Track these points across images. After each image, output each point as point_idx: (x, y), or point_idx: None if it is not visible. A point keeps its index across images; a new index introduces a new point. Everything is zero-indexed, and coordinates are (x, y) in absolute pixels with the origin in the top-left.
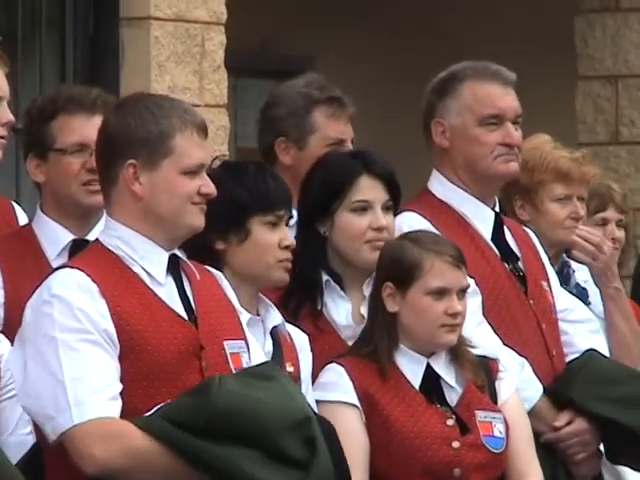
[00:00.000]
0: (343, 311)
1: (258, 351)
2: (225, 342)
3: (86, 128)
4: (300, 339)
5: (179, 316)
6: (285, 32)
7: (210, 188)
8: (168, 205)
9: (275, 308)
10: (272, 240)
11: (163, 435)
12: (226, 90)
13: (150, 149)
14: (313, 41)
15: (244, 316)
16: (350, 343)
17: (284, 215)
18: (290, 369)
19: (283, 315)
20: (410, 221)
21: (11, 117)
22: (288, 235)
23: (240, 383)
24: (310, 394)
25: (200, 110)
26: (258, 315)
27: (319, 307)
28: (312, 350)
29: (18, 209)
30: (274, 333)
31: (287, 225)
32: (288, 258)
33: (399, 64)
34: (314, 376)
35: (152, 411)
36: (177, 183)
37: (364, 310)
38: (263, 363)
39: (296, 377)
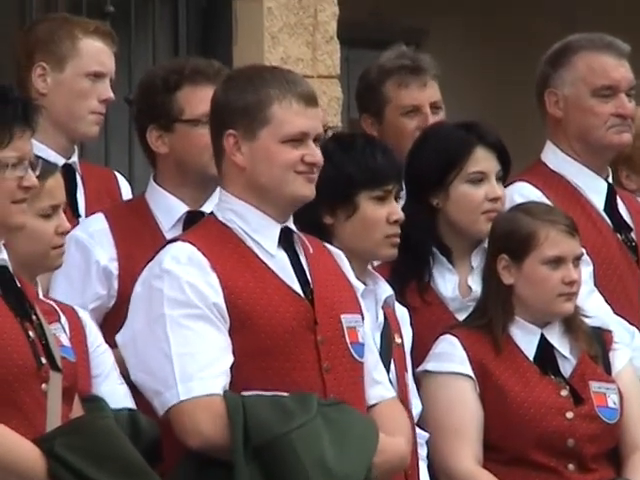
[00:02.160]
0: (450, 283)
1: (368, 325)
2: (342, 315)
3: (205, 99)
4: (401, 312)
5: (292, 290)
6: (398, 3)
7: (315, 157)
8: (269, 174)
9: (382, 279)
10: (380, 215)
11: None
12: (339, 61)
13: (248, 119)
14: (426, 12)
15: (359, 287)
16: (457, 315)
17: (393, 189)
18: (398, 340)
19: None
20: (523, 191)
21: (111, 94)
22: (397, 209)
23: None
24: (410, 368)
25: (313, 81)
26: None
27: (427, 280)
28: (419, 323)
29: (121, 179)
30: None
31: (397, 199)
32: (396, 233)
33: (511, 40)
34: (422, 348)
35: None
36: (276, 152)
37: (471, 282)
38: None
39: (402, 349)
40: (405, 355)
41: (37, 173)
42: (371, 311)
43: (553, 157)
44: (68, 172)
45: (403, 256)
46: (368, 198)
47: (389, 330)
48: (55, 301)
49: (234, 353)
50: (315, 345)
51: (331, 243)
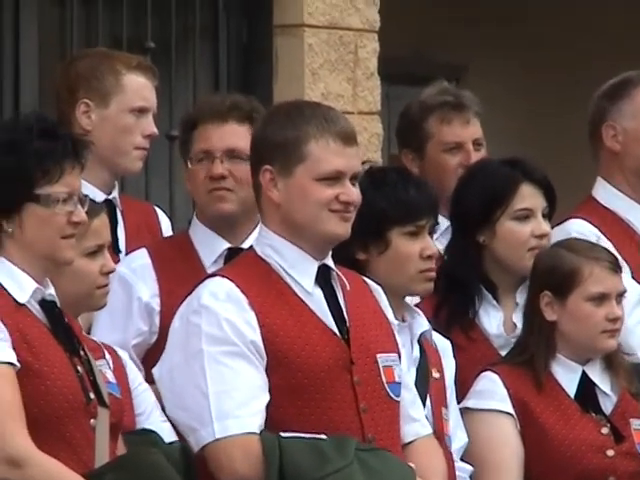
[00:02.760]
0: (495, 320)
1: (404, 361)
2: (378, 355)
3: (213, 136)
4: (443, 345)
5: (329, 329)
6: (438, 40)
7: (350, 196)
8: (303, 212)
9: (421, 314)
10: (413, 250)
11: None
12: (379, 97)
13: (285, 155)
14: (466, 49)
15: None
16: (501, 352)
17: (426, 224)
18: (436, 375)
19: (435, 323)
20: (579, 228)
21: (154, 129)
22: (430, 244)
23: None
24: (454, 401)
25: (353, 117)
26: (404, 321)
27: (472, 316)
28: (463, 359)
29: (161, 214)
30: (420, 339)
31: (432, 233)
32: (430, 268)
33: (551, 73)
34: (466, 384)
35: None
36: (311, 190)
37: (516, 319)
38: None
39: (441, 383)
40: (444, 389)
41: (85, 209)
42: (407, 346)
43: (604, 192)
44: (109, 208)
45: (448, 292)
46: (400, 234)
47: (426, 365)
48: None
49: (270, 391)
50: (351, 385)
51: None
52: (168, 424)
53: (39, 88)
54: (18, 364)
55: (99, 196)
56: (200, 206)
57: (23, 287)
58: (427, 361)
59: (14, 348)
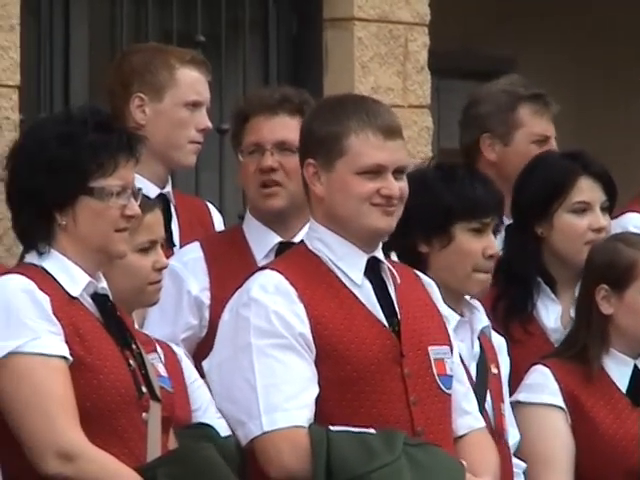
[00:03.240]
0: (553, 314)
1: (456, 354)
2: (429, 348)
3: (263, 129)
4: (499, 342)
5: (379, 321)
6: (488, 33)
7: (392, 190)
8: (345, 206)
9: (481, 309)
10: (475, 248)
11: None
12: (429, 91)
13: (327, 149)
14: (516, 42)
15: (453, 318)
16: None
17: (491, 222)
18: (495, 371)
19: (493, 317)
20: (637, 222)
21: (208, 123)
22: (493, 244)
23: None
24: (507, 398)
25: (403, 111)
26: (462, 316)
27: (530, 309)
28: (520, 353)
29: (212, 209)
30: (478, 335)
31: (496, 233)
32: (488, 268)
33: (602, 69)
34: (521, 376)
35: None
36: (352, 183)
37: (573, 312)
38: None
39: (498, 379)
40: (502, 385)
41: (138, 203)
42: (466, 341)
43: None
44: (162, 202)
45: (507, 285)
46: (465, 229)
47: (485, 360)
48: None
49: (320, 384)
50: (401, 377)
51: (425, 272)
52: (224, 420)
53: (89, 84)
54: (71, 358)
55: (153, 190)
56: (251, 199)
57: (76, 280)
58: (486, 357)
59: (67, 342)
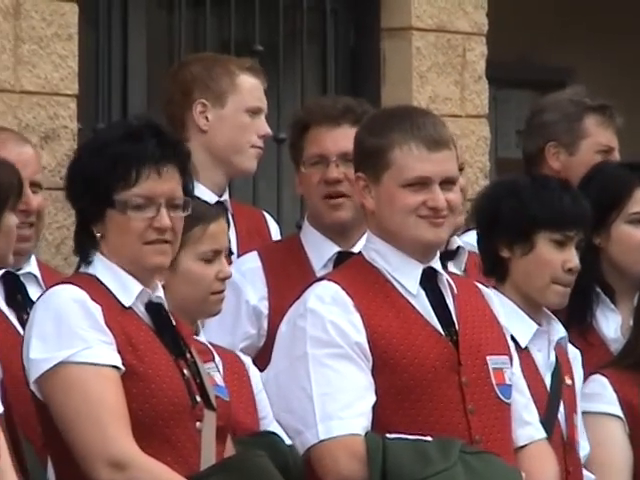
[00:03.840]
0: (613, 324)
1: (517, 365)
2: (488, 357)
3: (326, 139)
4: (574, 353)
5: (436, 330)
6: (546, 43)
7: (438, 202)
8: (392, 219)
9: (557, 320)
10: (555, 259)
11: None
12: (487, 101)
13: (373, 162)
14: (574, 52)
15: (530, 327)
16: None
17: (574, 236)
18: (569, 382)
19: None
20: None
21: (268, 130)
22: (574, 257)
23: None
24: (579, 409)
25: (461, 121)
26: (540, 326)
27: (589, 320)
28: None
29: (269, 219)
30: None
31: (579, 248)
32: (567, 282)
33: None
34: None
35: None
36: (397, 196)
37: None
38: None
39: (572, 390)
40: (575, 396)
41: (184, 213)
42: (543, 351)
43: None
44: (221, 210)
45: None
46: (547, 239)
47: (560, 371)
48: (215, 346)
49: (377, 393)
50: (459, 386)
51: (505, 277)
52: None
53: (147, 93)
54: (123, 367)
55: (211, 198)
56: (313, 210)
57: (128, 290)
58: (560, 368)
59: (119, 351)
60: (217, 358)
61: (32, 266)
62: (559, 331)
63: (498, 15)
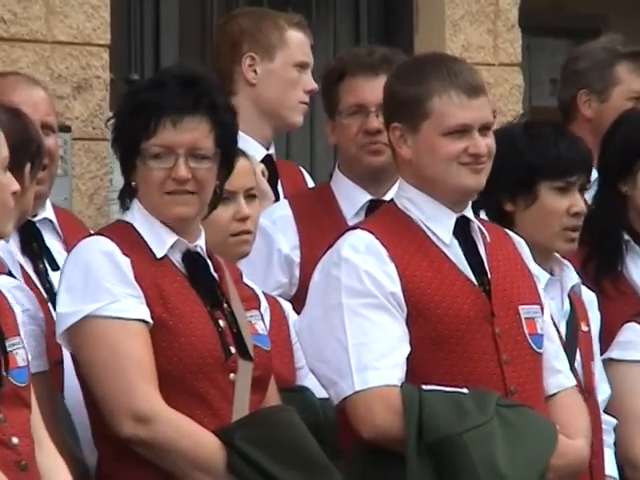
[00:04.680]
0: None
1: (547, 313)
2: (520, 307)
3: (365, 89)
4: (589, 297)
5: (469, 280)
6: None
7: (479, 148)
8: (432, 167)
9: (571, 267)
10: (560, 206)
11: None
12: (520, 49)
13: (410, 112)
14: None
15: (543, 276)
16: None
17: (576, 181)
18: (585, 328)
19: (583, 275)
20: None
21: (315, 85)
22: (579, 202)
23: None
24: (598, 353)
25: (494, 69)
26: (553, 275)
27: (619, 268)
28: (611, 312)
29: (306, 174)
30: (568, 293)
31: (584, 191)
32: (575, 226)
33: None
34: (614, 336)
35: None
36: (438, 145)
37: None
38: None
39: (589, 336)
40: (592, 342)
41: (215, 164)
42: (556, 299)
43: None
44: (269, 163)
45: (596, 244)
46: (549, 188)
47: (575, 318)
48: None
49: (411, 343)
50: (492, 337)
51: (512, 230)
52: None
53: (179, 43)
54: (151, 321)
55: (260, 151)
56: (349, 159)
57: (162, 241)
58: (576, 315)
59: (148, 304)
60: (264, 304)
61: (48, 211)
62: (572, 278)
63: None
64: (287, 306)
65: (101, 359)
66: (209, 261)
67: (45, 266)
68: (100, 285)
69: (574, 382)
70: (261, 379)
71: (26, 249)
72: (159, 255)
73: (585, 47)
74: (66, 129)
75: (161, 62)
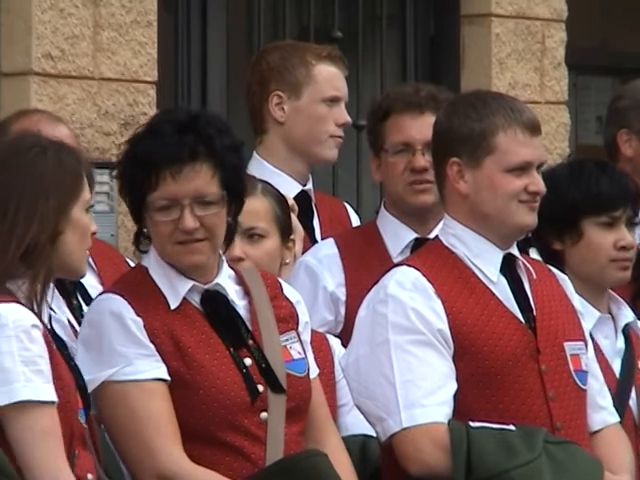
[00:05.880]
0: None
1: (590, 349)
2: (565, 343)
3: (411, 127)
4: None
5: (515, 317)
6: (625, 29)
7: (538, 186)
8: (492, 203)
9: (626, 305)
10: (606, 241)
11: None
12: (567, 87)
13: (472, 147)
14: None
15: (592, 315)
16: None
17: (622, 215)
18: None
19: (634, 311)
20: None
21: (347, 118)
22: (625, 235)
23: None
24: None
25: (540, 107)
26: (609, 313)
27: None
28: None
29: (350, 210)
30: (625, 330)
31: (632, 225)
32: (625, 258)
33: None
34: None
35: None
36: (500, 181)
37: None
38: None
39: None
40: None
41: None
42: (610, 337)
43: None
44: (304, 199)
45: None
46: (594, 224)
47: (631, 355)
48: None
49: (457, 380)
50: (539, 373)
51: (562, 269)
52: None
53: (226, 78)
54: (168, 377)
55: (295, 187)
56: (395, 197)
57: (176, 290)
58: (632, 352)
59: (165, 360)
60: (304, 319)
61: None
62: (627, 316)
63: (578, 1)
64: (335, 343)
65: (121, 423)
66: (235, 290)
67: (79, 302)
68: (113, 349)
69: (617, 419)
70: (297, 409)
71: (59, 285)
72: (173, 306)
73: (628, 86)
74: (112, 166)
75: (208, 99)
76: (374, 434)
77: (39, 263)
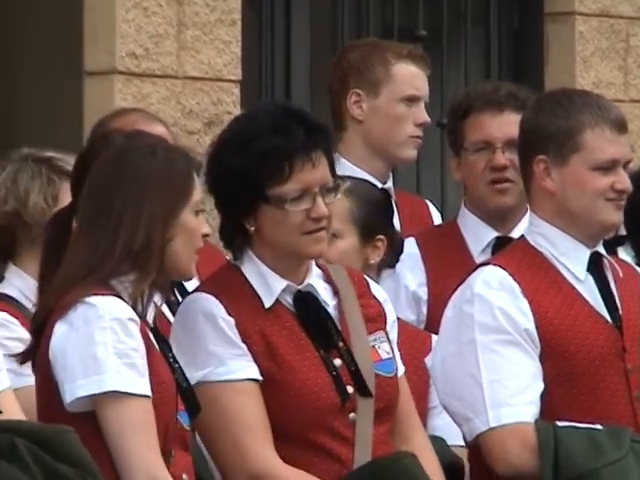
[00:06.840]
0: None
1: None
2: None
3: (491, 126)
4: None
5: (602, 317)
6: None
7: (624, 184)
8: (579, 201)
9: None
10: None
11: None
12: None
13: (559, 144)
14: None
15: None
16: None
17: None
18: None
19: None
20: None
21: (426, 118)
22: None
23: None
24: None
25: (625, 106)
26: None
27: None
28: None
29: (432, 207)
30: None
31: None
32: None
33: None
34: None
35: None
36: (587, 179)
37: None
38: None
39: None
40: None
41: (338, 196)
42: None
43: None
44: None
45: None
46: None
47: None
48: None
49: (544, 380)
50: (624, 373)
51: None
52: None
53: (310, 78)
54: (260, 377)
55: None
56: (475, 195)
57: (271, 289)
58: None
59: (257, 360)
60: (391, 317)
61: None
62: None
63: None
64: (433, 339)
65: (212, 423)
66: (325, 288)
67: (177, 297)
68: (206, 350)
69: None
70: (385, 409)
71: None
72: (267, 305)
73: None
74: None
75: (292, 97)
76: (457, 443)
77: (148, 267)
